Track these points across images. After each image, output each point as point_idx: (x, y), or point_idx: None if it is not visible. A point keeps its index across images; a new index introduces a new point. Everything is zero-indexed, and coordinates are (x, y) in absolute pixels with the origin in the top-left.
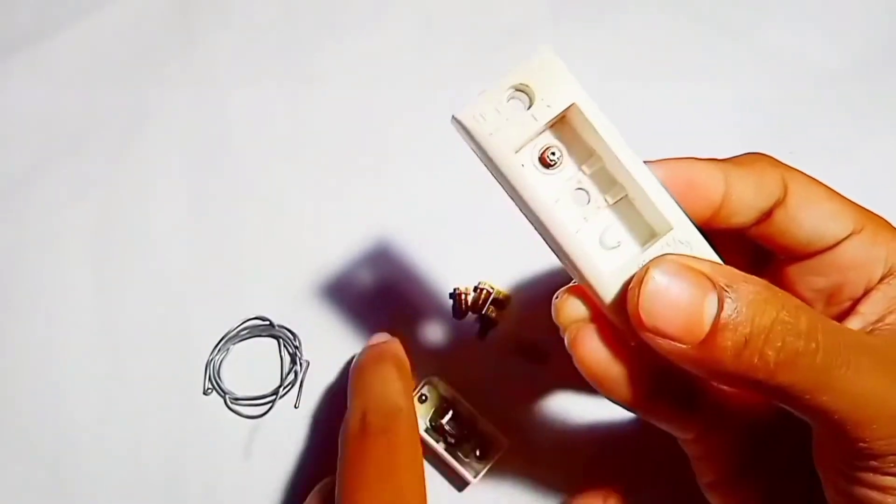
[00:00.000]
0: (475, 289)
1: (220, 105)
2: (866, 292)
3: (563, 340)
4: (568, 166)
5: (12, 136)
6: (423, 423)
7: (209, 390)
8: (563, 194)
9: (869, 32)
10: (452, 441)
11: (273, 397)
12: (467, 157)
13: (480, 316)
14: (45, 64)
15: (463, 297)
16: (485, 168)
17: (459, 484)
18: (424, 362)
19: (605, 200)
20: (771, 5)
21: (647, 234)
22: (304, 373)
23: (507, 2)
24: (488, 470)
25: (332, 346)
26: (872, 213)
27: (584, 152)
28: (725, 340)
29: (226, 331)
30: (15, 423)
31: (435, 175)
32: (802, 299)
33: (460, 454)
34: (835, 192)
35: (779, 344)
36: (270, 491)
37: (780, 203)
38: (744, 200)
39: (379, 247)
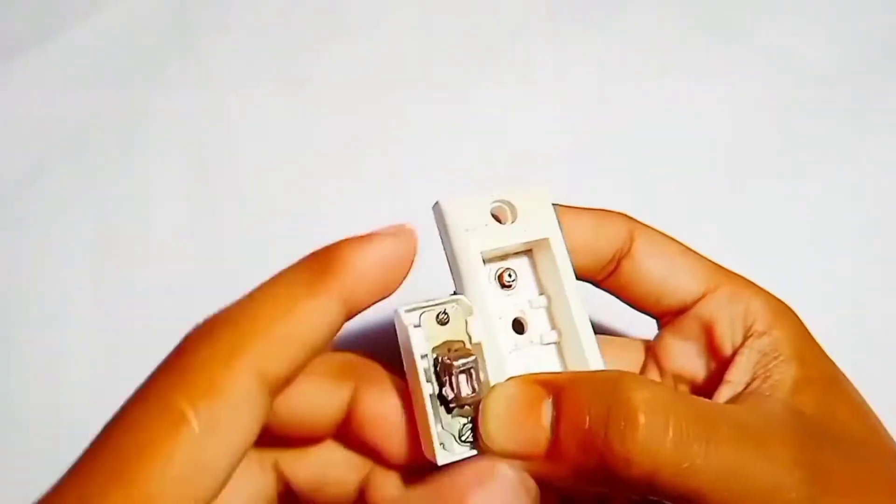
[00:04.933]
0: None
1: (220, 106)
2: (734, 355)
3: None
4: (519, 293)
5: (12, 137)
6: (423, 349)
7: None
8: (505, 315)
9: (868, 32)
10: (448, 396)
11: None
12: (468, 158)
13: None
14: (44, 66)
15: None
16: (445, 258)
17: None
18: None
19: (540, 338)
20: (770, 5)
21: None
22: None
23: (506, 2)
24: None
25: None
26: (731, 272)
27: (537, 289)
28: (568, 440)
29: None
30: (15, 423)
31: (435, 175)
32: (684, 370)
33: (444, 418)
34: (690, 250)
35: (621, 427)
36: None
37: (625, 254)
38: (578, 241)
39: None
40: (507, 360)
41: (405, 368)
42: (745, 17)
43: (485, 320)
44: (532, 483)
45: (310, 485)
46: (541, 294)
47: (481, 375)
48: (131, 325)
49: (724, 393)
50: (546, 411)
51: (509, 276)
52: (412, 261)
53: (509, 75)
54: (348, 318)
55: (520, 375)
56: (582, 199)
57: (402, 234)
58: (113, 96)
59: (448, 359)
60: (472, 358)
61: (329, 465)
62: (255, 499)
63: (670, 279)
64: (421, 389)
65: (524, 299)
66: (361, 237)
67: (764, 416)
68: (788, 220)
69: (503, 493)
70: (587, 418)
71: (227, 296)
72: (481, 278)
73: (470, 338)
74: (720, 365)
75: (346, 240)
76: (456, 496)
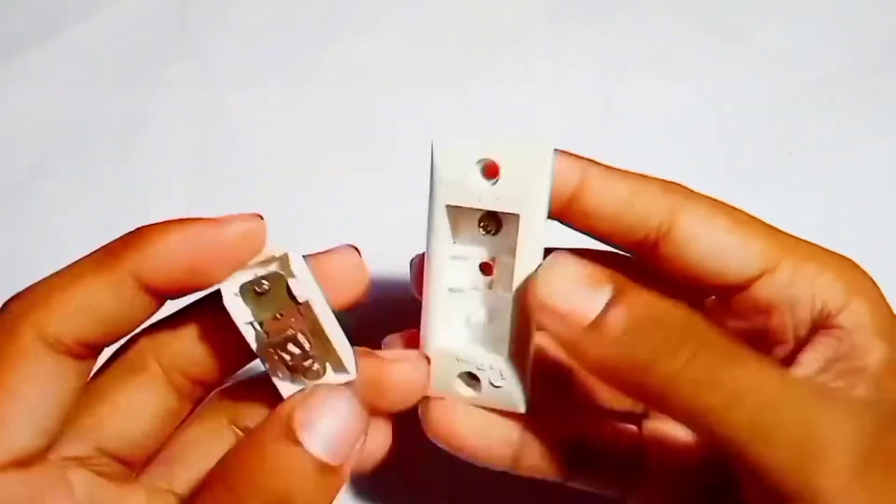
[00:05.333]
0: None
1: (219, 107)
2: (799, 343)
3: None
4: (496, 241)
5: (12, 138)
6: (247, 315)
7: None
8: (473, 257)
9: (867, 33)
10: (287, 360)
11: None
12: None
13: None
14: (44, 66)
15: None
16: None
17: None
18: None
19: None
20: (770, 6)
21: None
22: None
23: (506, 2)
24: None
25: None
26: (796, 241)
27: (508, 245)
28: (614, 328)
29: None
30: None
31: None
32: None
33: (283, 365)
34: (745, 220)
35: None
36: None
37: (664, 233)
38: (605, 212)
39: (379, 247)
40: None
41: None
42: (744, 18)
43: (434, 269)
44: (359, 406)
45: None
46: (509, 252)
47: (307, 340)
48: None
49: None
50: (604, 292)
51: (487, 228)
52: (246, 251)
53: (509, 75)
54: (155, 295)
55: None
56: None
57: (229, 222)
58: (113, 96)
59: (271, 332)
60: (289, 332)
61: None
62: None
63: (717, 261)
64: (255, 350)
65: (496, 249)
66: (174, 220)
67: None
68: (788, 220)
69: (326, 406)
70: (644, 321)
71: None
72: (440, 233)
73: (295, 300)
74: (786, 359)
75: (156, 223)
76: (283, 414)
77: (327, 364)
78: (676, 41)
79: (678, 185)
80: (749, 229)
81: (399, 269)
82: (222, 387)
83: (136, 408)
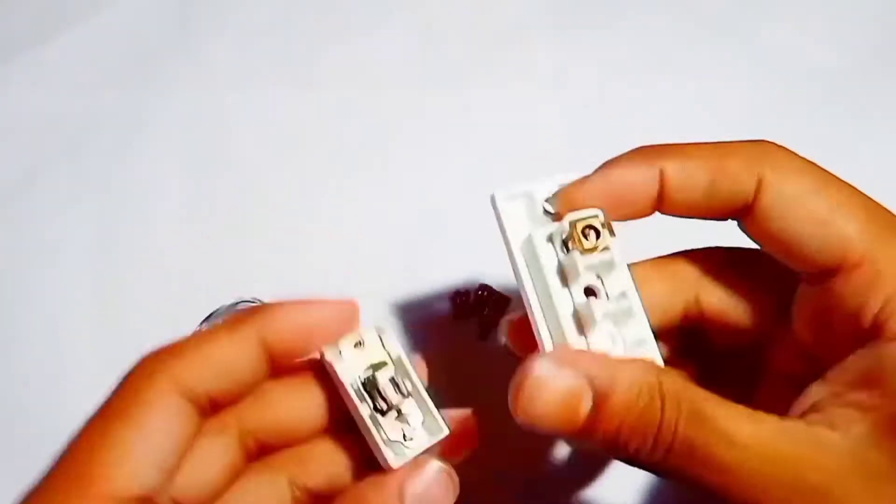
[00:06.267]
0: (476, 290)
1: (219, 108)
2: (839, 349)
3: None
4: (595, 257)
5: (11, 138)
6: (352, 376)
7: None
8: (580, 280)
9: (868, 33)
10: (383, 408)
11: None
12: (468, 158)
13: (480, 317)
14: (43, 67)
15: (463, 298)
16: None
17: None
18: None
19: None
20: (771, 6)
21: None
22: None
23: (506, 3)
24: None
25: None
26: (891, 232)
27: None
28: (607, 424)
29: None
30: (15, 423)
31: (435, 176)
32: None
33: (386, 429)
34: (834, 201)
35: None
36: None
37: (749, 207)
38: (687, 194)
39: (379, 247)
40: (564, 323)
41: (343, 398)
42: (746, 18)
43: (539, 296)
44: (454, 474)
45: (322, 489)
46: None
47: (406, 382)
48: (131, 324)
49: (800, 400)
50: (586, 403)
51: (586, 236)
52: (345, 326)
53: (509, 75)
54: (275, 358)
55: (559, 350)
56: None
57: (337, 305)
58: (113, 96)
59: (372, 376)
60: (392, 370)
61: (332, 465)
62: None
63: (798, 246)
64: (359, 410)
65: (602, 259)
66: (295, 301)
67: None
68: None
69: (432, 479)
70: (621, 432)
71: (227, 295)
72: (526, 271)
73: (389, 354)
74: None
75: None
76: (395, 484)
77: (419, 421)
78: (677, 41)
79: (764, 148)
80: (846, 205)
81: (399, 268)
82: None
83: (209, 462)
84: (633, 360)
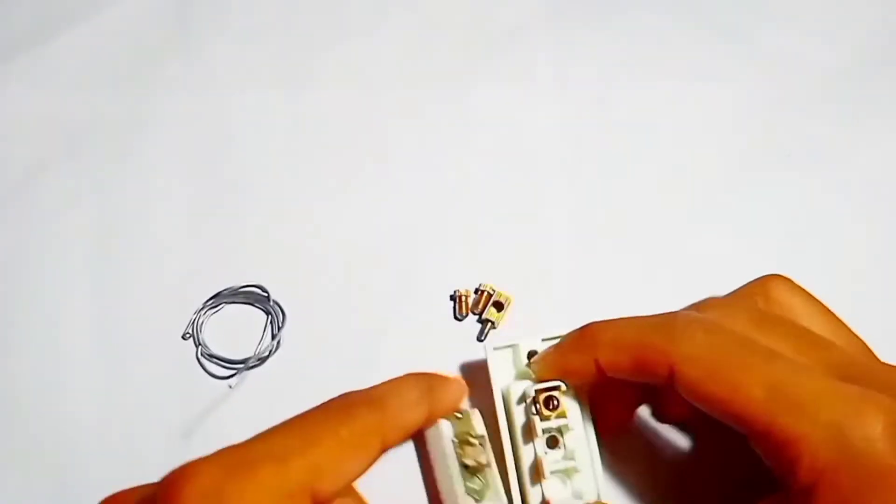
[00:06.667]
0: (475, 290)
1: (219, 107)
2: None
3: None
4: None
5: (11, 138)
6: (451, 432)
7: (188, 336)
8: (544, 431)
9: (867, 34)
10: (471, 467)
11: (240, 365)
12: (468, 158)
13: (480, 318)
14: (43, 67)
15: (463, 298)
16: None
17: None
18: (423, 364)
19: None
20: (770, 7)
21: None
22: (271, 353)
23: (506, 2)
24: None
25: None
26: (793, 399)
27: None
28: None
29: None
30: (15, 422)
31: (435, 176)
32: None
33: (468, 483)
34: (735, 380)
35: None
36: None
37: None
38: (619, 375)
39: (379, 247)
40: (525, 470)
41: (435, 457)
42: (745, 18)
43: (510, 444)
44: None
45: None
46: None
47: (487, 450)
48: (131, 324)
49: None
50: None
51: (550, 404)
52: (452, 405)
53: (509, 75)
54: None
55: None
56: (582, 199)
57: (452, 385)
58: (113, 96)
59: (466, 441)
60: (479, 439)
61: None
62: None
63: (715, 415)
64: (449, 464)
65: (559, 423)
66: (411, 394)
67: None
68: (788, 220)
69: None
70: None
71: (227, 295)
72: (504, 414)
73: (476, 429)
74: None
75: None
76: None
77: (486, 489)
78: (676, 42)
79: (677, 333)
80: (736, 392)
81: (399, 267)
82: None
83: None
84: None
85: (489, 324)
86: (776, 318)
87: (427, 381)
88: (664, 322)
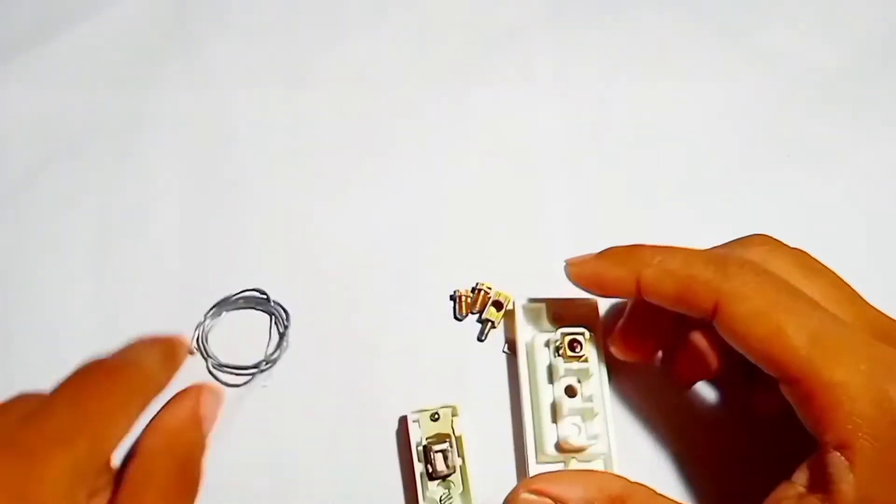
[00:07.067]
0: (472, 289)
1: (219, 107)
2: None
3: None
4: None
5: (12, 138)
6: (417, 438)
7: (193, 351)
8: (561, 381)
9: (867, 35)
10: (431, 474)
11: (254, 370)
12: (468, 158)
13: (480, 318)
14: (44, 67)
15: (463, 298)
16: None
17: None
18: (423, 364)
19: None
20: (770, 7)
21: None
22: (281, 353)
23: (506, 2)
24: None
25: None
26: (835, 351)
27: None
28: None
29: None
30: None
31: (435, 175)
32: None
33: (429, 489)
34: (780, 322)
35: None
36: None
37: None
38: (659, 299)
39: (379, 248)
40: (543, 409)
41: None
42: (745, 19)
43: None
44: None
45: None
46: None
47: (455, 457)
48: (131, 324)
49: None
50: None
51: (576, 348)
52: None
53: (509, 75)
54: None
55: (541, 483)
56: (582, 199)
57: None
58: (113, 96)
59: (429, 444)
60: (445, 444)
61: None
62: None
63: (754, 357)
64: (413, 467)
65: (580, 366)
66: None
67: None
68: (788, 220)
69: (215, 394)
70: None
71: (227, 296)
72: (525, 363)
73: (454, 431)
74: None
75: None
76: (191, 410)
77: (458, 492)
78: (676, 42)
79: (727, 270)
80: (777, 335)
81: (398, 268)
82: None
83: None
84: (603, 475)
85: (489, 323)
86: (820, 267)
87: (161, 342)
88: (716, 257)
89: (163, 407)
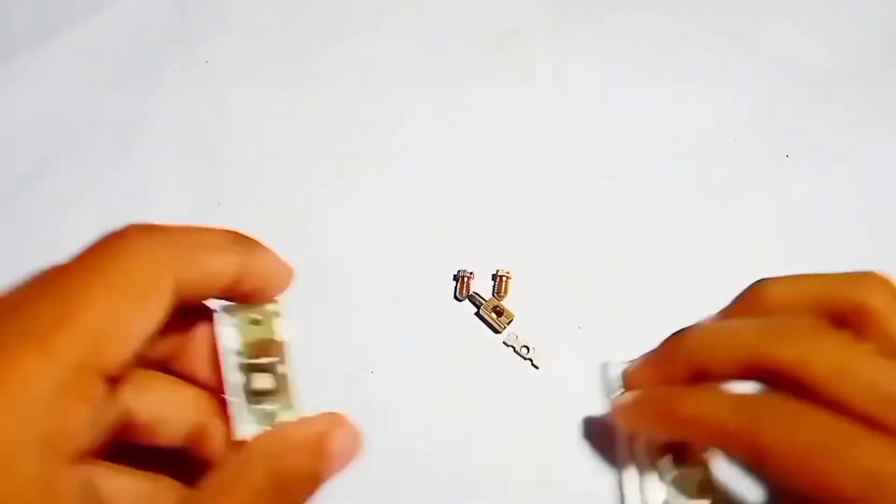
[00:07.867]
0: (493, 276)
1: (220, 107)
2: None
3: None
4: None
5: (13, 138)
6: (233, 345)
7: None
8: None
9: (866, 35)
10: (254, 391)
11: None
12: (468, 158)
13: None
14: (44, 67)
15: (465, 279)
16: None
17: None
18: (426, 350)
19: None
20: (770, 8)
21: None
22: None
23: (506, 2)
24: None
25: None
26: None
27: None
28: None
29: None
30: None
31: (435, 175)
32: None
33: (248, 402)
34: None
35: None
36: None
37: None
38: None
39: (378, 248)
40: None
41: (221, 361)
42: (744, 20)
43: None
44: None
45: (148, 421)
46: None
47: (281, 370)
48: None
49: None
50: None
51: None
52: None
53: (509, 75)
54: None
55: None
56: (582, 199)
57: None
58: (113, 96)
59: (251, 358)
60: (274, 359)
61: (169, 403)
62: (95, 426)
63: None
64: (227, 379)
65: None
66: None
67: None
68: (788, 221)
69: (352, 433)
70: None
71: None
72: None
73: (276, 336)
74: None
75: None
76: (315, 437)
77: (279, 403)
78: (676, 42)
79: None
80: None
81: (397, 269)
82: None
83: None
84: None
85: (491, 324)
86: None
87: (244, 239)
88: (746, 403)
89: (302, 419)
